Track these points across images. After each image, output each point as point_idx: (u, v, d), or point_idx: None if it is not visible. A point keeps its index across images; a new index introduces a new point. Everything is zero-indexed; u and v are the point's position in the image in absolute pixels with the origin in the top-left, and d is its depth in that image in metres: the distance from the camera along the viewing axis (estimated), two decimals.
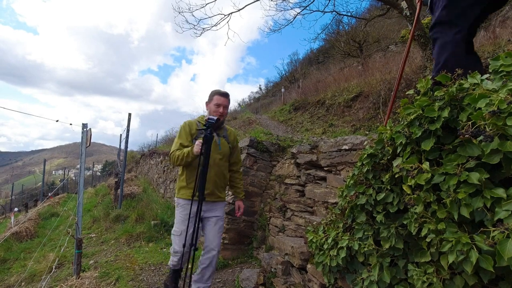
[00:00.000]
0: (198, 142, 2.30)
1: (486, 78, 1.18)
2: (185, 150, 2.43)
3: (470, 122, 1.09)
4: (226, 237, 3.98)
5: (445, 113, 1.18)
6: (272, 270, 2.83)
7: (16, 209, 12.15)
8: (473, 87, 1.16)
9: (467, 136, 1.07)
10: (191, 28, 8.48)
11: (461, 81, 1.21)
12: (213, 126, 2.31)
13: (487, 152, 1.02)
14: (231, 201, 4.01)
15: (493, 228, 1.00)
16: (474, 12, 1.71)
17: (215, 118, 2.36)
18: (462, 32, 1.69)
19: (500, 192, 1.02)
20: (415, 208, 1.27)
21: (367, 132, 4.53)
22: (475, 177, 1.06)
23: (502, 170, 1.06)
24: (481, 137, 1.03)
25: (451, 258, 1.08)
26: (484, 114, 1.03)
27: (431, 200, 1.21)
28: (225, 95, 2.60)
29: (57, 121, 3.70)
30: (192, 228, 2.34)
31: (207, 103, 2.65)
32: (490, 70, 1.17)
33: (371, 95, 7.10)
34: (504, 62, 1.12)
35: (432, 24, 1.83)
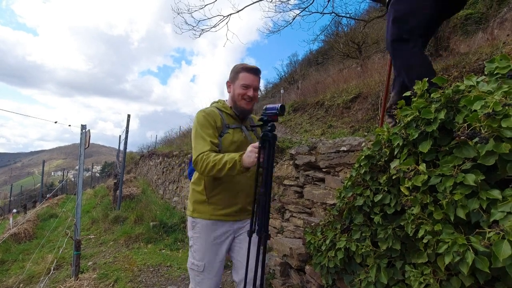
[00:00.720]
0: (253, 148, 1.52)
1: (482, 80, 1.19)
2: (228, 157, 1.56)
3: (465, 124, 1.10)
4: None
5: (442, 115, 1.19)
6: (271, 271, 2.83)
7: (14, 210, 12.13)
8: (469, 89, 1.17)
9: (463, 138, 1.08)
10: (190, 29, 8.48)
11: (457, 83, 1.22)
12: (274, 120, 1.56)
13: (482, 154, 1.03)
14: None
15: (489, 229, 1.01)
16: (422, 25, 1.82)
17: (278, 106, 1.54)
18: (418, 44, 1.81)
19: (496, 193, 1.03)
20: (412, 210, 1.28)
21: (366, 133, 4.55)
22: (471, 179, 1.07)
23: (498, 171, 1.06)
24: (476, 139, 1.04)
25: (447, 259, 1.09)
26: (479, 116, 1.04)
27: (428, 201, 1.21)
28: (256, 72, 1.81)
29: (55, 122, 3.71)
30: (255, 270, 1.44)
31: (229, 83, 1.85)
32: (486, 73, 1.18)
33: (370, 97, 7.11)
34: (499, 65, 1.13)
35: (388, 41, 1.91)
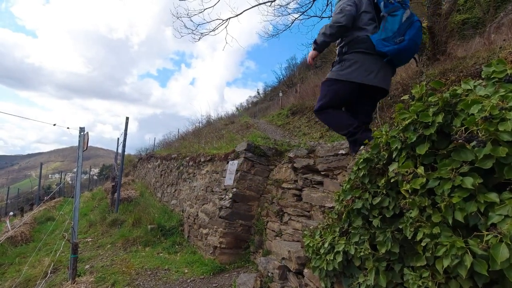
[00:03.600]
0: None
1: (479, 84, 1.20)
2: None
3: (463, 128, 1.11)
4: (223, 241, 3.97)
5: (439, 119, 1.20)
6: (269, 274, 2.82)
7: (11, 213, 12.03)
8: (466, 93, 1.18)
9: (461, 141, 1.09)
10: (189, 33, 8.51)
11: (455, 87, 1.23)
12: None
13: (480, 157, 1.04)
14: (228, 205, 4.00)
15: (487, 232, 1.01)
16: (336, 101, 2.38)
17: None
18: (335, 108, 2.40)
19: (493, 196, 1.03)
20: (411, 213, 1.28)
21: None
22: (469, 182, 1.07)
23: (495, 175, 1.07)
24: (474, 142, 1.05)
25: (446, 262, 1.09)
26: (476, 120, 1.05)
27: (426, 204, 1.22)
28: None
29: (54, 124, 3.70)
30: None
31: None
32: (483, 76, 1.19)
33: None
34: (496, 69, 1.14)
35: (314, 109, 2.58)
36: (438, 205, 1.18)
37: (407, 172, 1.30)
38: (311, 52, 2.45)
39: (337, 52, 2.42)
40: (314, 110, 2.51)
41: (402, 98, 1.50)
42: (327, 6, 8.64)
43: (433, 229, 1.17)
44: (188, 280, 3.69)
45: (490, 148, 1.00)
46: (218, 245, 3.98)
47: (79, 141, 3.73)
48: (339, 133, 2.42)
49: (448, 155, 1.20)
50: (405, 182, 1.30)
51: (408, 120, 1.32)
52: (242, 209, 4.09)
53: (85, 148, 3.80)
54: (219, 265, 3.88)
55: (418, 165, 1.29)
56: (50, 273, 4.11)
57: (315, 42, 2.36)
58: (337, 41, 2.42)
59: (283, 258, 2.69)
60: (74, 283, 3.54)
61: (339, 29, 2.21)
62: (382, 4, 2.18)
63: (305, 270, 2.36)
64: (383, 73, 2.21)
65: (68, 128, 3.84)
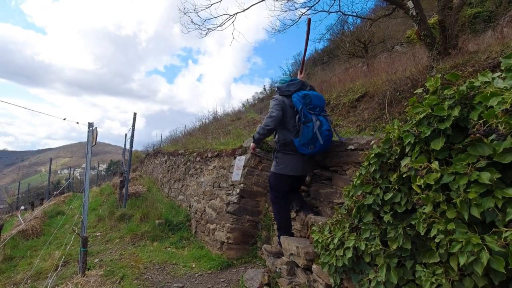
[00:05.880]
0: None
1: (498, 77, 1.16)
2: None
3: (481, 121, 1.07)
4: (231, 236, 3.98)
5: (455, 112, 1.17)
6: (277, 270, 2.82)
7: (22, 207, 12.27)
8: (484, 86, 1.14)
9: (479, 135, 1.06)
10: (196, 29, 8.46)
11: (472, 80, 1.19)
12: None
13: (499, 151, 1.01)
14: (236, 201, 4.00)
15: (505, 229, 0.98)
16: (283, 189, 3.05)
17: None
18: (286, 201, 3.12)
19: None
20: (424, 208, 1.26)
21: (373, 133, 4.50)
22: (486, 177, 1.04)
23: None
24: (493, 136, 1.01)
25: (462, 259, 1.07)
26: (496, 113, 1.01)
27: (441, 200, 1.19)
28: None
29: (64, 119, 3.74)
30: None
31: None
32: (502, 68, 1.15)
33: (376, 96, 7.02)
34: None
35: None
36: (453, 200, 1.15)
37: (420, 167, 1.27)
38: (251, 144, 3.23)
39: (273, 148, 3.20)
40: (270, 199, 3.21)
41: (415, 92, 1.47)
42: (334, 0, 8.51)
43: (448, 225, 1.15)
44: (196, 275, 3.71)
45: (511, 142, 0.97)
46: (226, 241, 3.99)
47: (88, 136, 3.76)
48: (276, 226, 3.13)
49: (464, 149, 1.16)
50: (418, 177, 1.28)
51: (422, 114, 1.29)
52: (250, 204, 4.09)
53: (93, 144, 3.83)
54: (226, 260, 3.89)
55: (432, 160, 1.26)
56: (61, 266, 4.18)
57: (253, 137, 3.07)
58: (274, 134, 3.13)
59: (291, 254, 2.68)
60: (84, 276, 3.60)
61: (268, 131, 2.94)
62: (298, 116, 2.78)
63: (314, 266, 2.35)
64: (305, 165, 2.97)
65: (77, 123, 3.87)
